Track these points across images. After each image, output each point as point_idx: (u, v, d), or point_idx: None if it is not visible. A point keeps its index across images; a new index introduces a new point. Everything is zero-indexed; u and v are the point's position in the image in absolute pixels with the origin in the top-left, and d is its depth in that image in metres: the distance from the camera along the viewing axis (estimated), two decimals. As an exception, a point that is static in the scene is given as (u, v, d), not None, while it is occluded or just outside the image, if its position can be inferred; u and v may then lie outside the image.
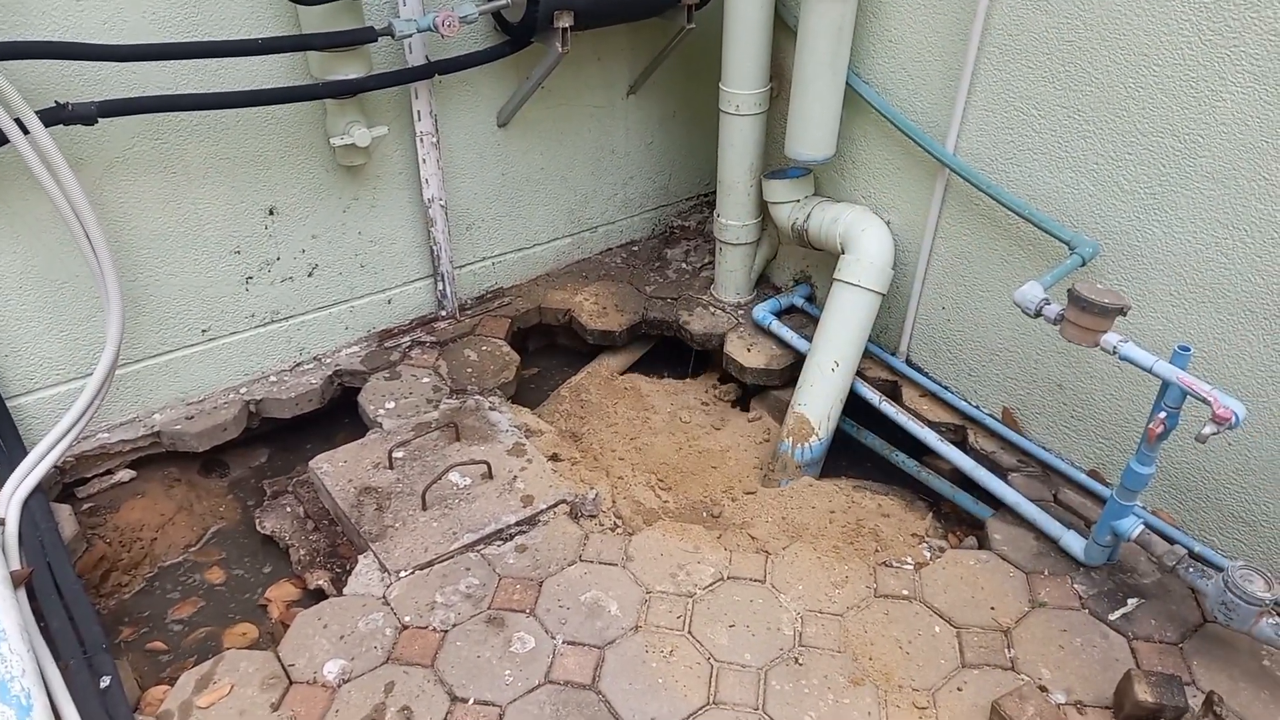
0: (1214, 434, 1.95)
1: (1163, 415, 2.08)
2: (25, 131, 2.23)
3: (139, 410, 2.87)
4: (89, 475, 2.77)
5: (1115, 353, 2.11)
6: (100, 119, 2.34)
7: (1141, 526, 2.28)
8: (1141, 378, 2.45)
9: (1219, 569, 2.23)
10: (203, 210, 2.74)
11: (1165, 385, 2.06)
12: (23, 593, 2.14)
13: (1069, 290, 2.12)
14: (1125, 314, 2.10)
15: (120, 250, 2.62)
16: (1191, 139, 2.19)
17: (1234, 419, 1.94)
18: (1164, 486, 2.53)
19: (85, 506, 2.72)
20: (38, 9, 2.28)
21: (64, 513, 2.51)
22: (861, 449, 3.21)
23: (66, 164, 2.29)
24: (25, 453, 2.46)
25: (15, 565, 2.20)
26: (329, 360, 3.18)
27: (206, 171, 2.70)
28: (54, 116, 2.27)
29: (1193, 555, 2.33)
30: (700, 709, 2.06)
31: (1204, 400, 1.98)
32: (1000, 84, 2.54)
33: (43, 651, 2.03)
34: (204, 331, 2.91)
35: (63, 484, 2.72)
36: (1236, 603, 2.04)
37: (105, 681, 2.03)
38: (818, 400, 2.97)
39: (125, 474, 2.82)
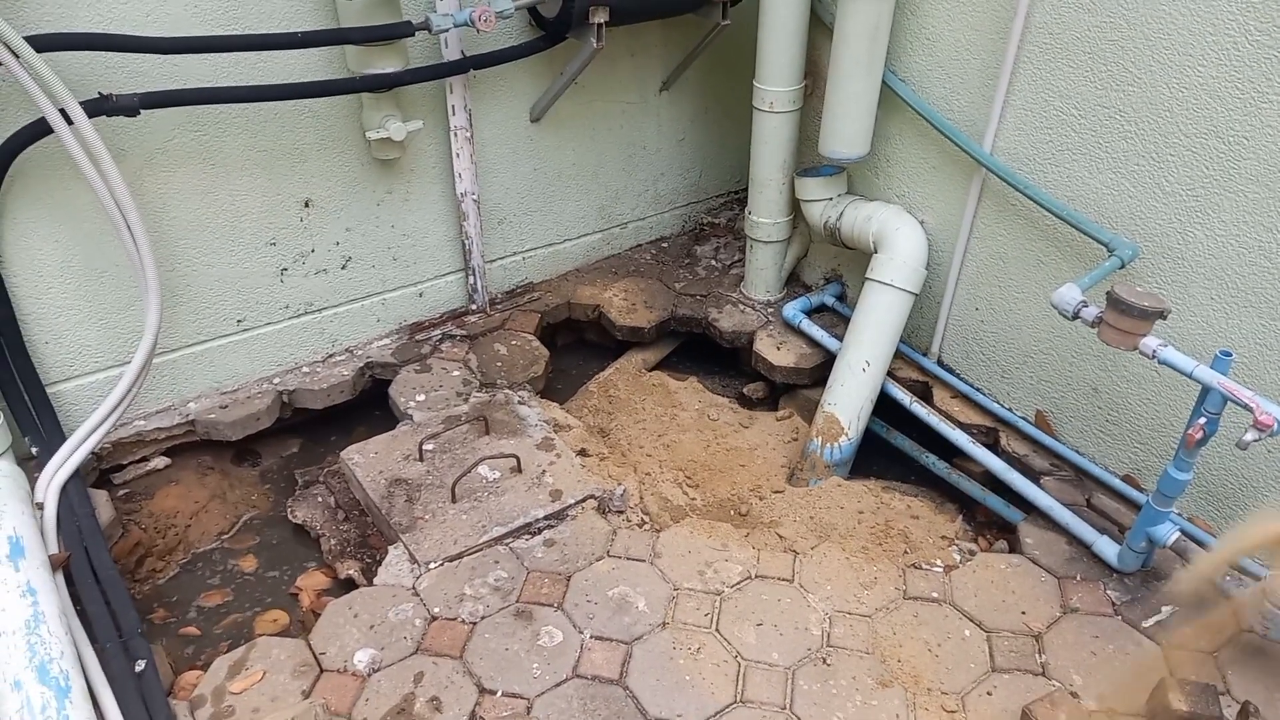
0: (1255, 440, 1.92)
1: (1202, 421, 2.05)
2: (69, 122, 2.26)
3: (175, 399, 2.91)
4: (125, 462, 2.81)
5: (1155, 357, 2.08)
6: (142, 110, 2.37)
7: (1178, 533, 2.25)
8: (1179, 382, 2.42)
9: (1257, 578, 2.20)
10: (240, 202, 2.78)
11: (1205, 390, 2.03)
12: (60, 576, 2.18)
13: (1108, 293, 2.09)
14: (1165, 317, 2.07)
15: (159, 241, 2.66)
16: (1236, 141, 2.15)
17: (1276, 425, 1.91)
18: (1200, 493, 2.50)
19: (121, 492, 2.76)
20: (83, 1, 2.31)
21: (101, 498, 2.55)
22: (891, 450, 3.19)
23: (109, 154, 2.32)
24: (64, 439, 2.50)
25: (54, 549, 2.24)
26: (360, 352, 3.20)
27: (244, 164, 2.73)
28: (97, 108, 2.30)
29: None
30: (727, 707, 2.06)
31: (1245, 406, 1.95)
32: (1040, 83, 2.51)
33: (80, 634, 2.06)
34: (239, 322, 2.94)
35: (99, 470, 2.76)
36: (1274, 613, 2.01)
37: (140, 665, 2.06)
38: (848, 400, 2.96)
39: (160, 461, 2.86)
